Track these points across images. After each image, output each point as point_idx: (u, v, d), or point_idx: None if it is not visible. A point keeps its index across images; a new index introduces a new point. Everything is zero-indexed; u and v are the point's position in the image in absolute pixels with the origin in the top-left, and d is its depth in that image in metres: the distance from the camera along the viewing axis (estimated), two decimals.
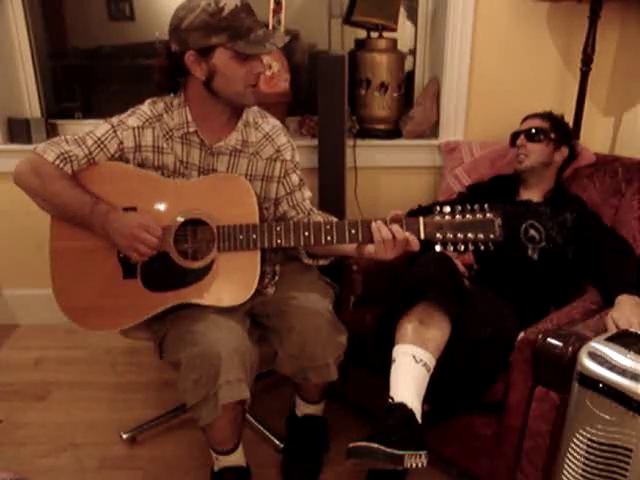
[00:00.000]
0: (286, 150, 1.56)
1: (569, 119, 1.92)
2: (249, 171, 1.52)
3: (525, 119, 1.87)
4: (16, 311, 2.56)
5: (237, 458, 1.55)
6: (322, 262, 1.60)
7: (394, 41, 2.22)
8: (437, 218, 1.32)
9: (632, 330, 1.32)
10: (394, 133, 2.31)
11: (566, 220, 1.73)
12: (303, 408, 1.75)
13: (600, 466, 1.20)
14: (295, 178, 1.59)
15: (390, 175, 2.34)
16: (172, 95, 1.49)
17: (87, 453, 1.78)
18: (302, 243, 1.39)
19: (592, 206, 1.80)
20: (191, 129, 1.46)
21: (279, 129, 1.57)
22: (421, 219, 1.33)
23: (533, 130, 1.78)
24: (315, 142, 2.09)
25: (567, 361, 1.27)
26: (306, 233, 1.37)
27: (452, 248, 1.31)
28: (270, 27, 2.02)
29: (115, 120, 1.47)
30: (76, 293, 1.46)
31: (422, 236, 1.33)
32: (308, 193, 1.63)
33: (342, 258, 1.63)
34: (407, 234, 1.32)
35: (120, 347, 2.32)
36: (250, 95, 1.43)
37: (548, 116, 1.83)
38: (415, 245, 1.33)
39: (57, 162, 1.40)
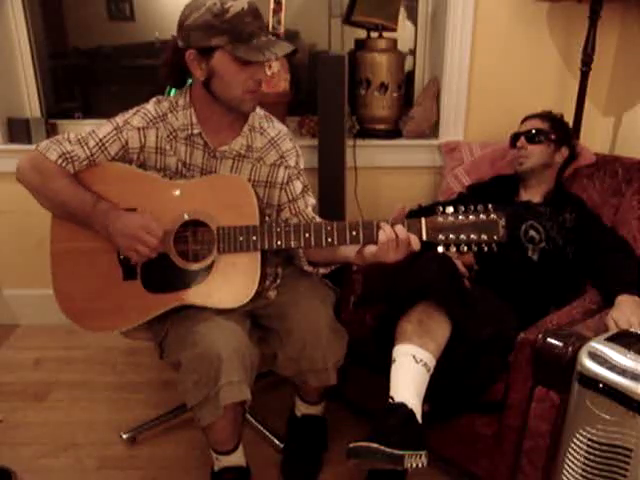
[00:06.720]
0: (290, 156, 1.54)
1: (569, 119, 1.92)
2: (252, 177, 1.50)
3: (525, 120, 1.87)
4: (16, 311, 2.56)
5: (237, 458, 1.54)
6: (322, 270, 1.58)
7: (394, 41, 2.22)
8: (439, 219, 1.29)
9: (632, 330, 1.32)
10: (394, 133, 2.31)
11: (566, 220, 1.73)
12: (303, 409, 1.75)
13: (600, 466, 1.20)
14: (298, 185, 1.56)
15: (390, 175, 2.34)
16: (177, 92, 1.47)
17: (87, 453, 1.78)
18: (302, 244, 1.37)
19: (592, 206, 1.80)
20: (195, 131, 1.44)
21: (285, 134, 1.54)
22: (423, 220, 1.30)
23: (533, 131, 1.78)
24: (315, 142, 2.08)
25: (567, 361, 1.27)
26: (307, 234, 1.35)
27: (455, 249, 1.29)
28: (270, 27, 2.02)
29: (120, 120, 1.45)
30: (77, 294, 1.46)
31: (424, 237, 1.30)
32: (312, 200, 1.60)
33: (343, 265, 1.60)
34: (409, 234, 1.29)
35: (120, 347, 2.32)
36: (249, 100, 1.40)
37: (548, 116, 1.83)
38: (416, 245, 1.30)
39: (59, 161, 1.39)
